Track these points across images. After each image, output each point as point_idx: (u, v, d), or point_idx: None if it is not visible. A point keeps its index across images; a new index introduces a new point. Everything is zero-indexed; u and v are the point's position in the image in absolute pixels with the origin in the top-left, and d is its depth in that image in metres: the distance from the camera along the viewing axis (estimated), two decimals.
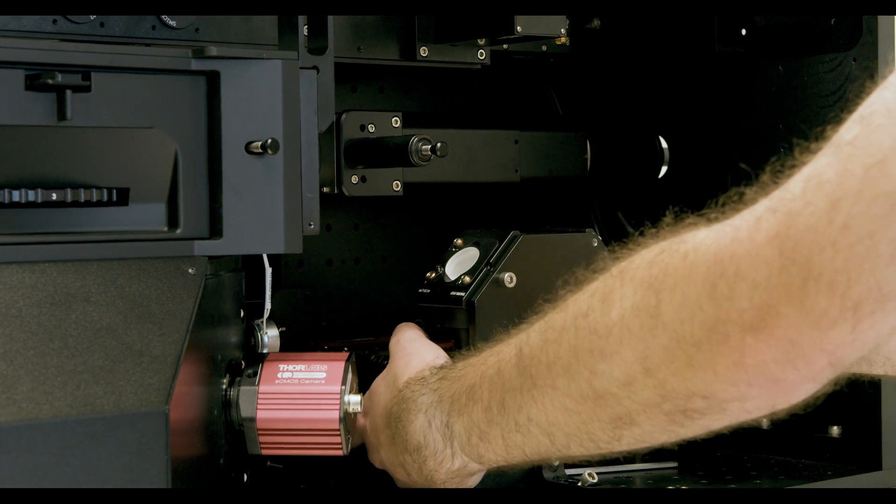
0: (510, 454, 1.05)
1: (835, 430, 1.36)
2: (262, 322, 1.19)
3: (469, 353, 1.12)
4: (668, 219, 0.95)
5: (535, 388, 1.00)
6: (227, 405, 1.12)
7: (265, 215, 1.07)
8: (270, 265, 1.15)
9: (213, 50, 1.05)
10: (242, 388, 1.12)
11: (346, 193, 1.32)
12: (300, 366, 1.14)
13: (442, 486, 1.10)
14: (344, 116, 1.32)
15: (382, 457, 1.16)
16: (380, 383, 1.19)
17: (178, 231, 1.05)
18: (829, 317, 0.81)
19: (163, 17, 1.11)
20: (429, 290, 1.28)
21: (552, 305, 1.01)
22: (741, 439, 1.26)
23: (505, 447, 1.05)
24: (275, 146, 1.07)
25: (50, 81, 0.98)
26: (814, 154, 0.85)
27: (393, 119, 1.35)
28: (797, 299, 0.81)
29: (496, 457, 1.07)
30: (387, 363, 1.23)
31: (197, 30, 1.13)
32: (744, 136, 1.46)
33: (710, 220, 0.90)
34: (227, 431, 1.12)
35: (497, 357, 1.05)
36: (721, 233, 0.87)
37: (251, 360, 1.16)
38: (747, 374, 0.86)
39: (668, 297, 0.88)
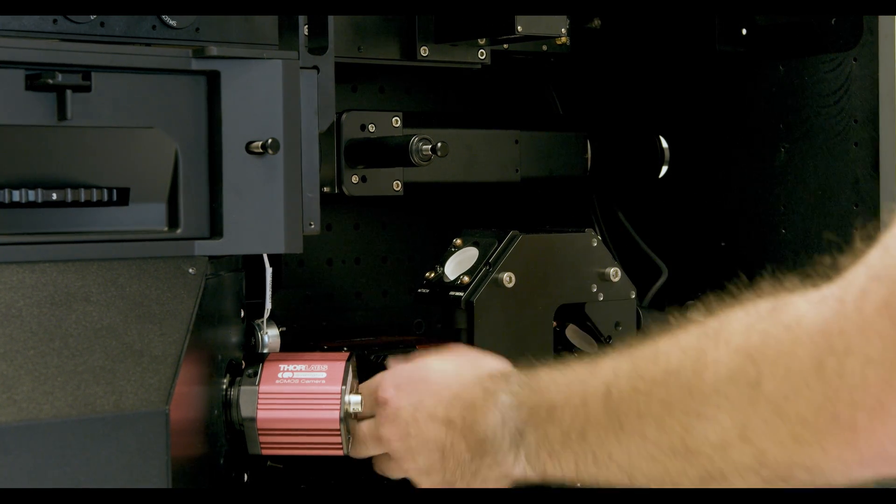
0: (580, 477, 1.02)
1: None
2: (262, 322, 1.19)
3: (553, 368, 1.08)
4: (765, 280, 0.92)
5: (621, 432, 0.96)
6: (228, 405, 1.12)
7: (265, 215, 1.07)
8: (271, 265, 1.15)
9: (214, 50, 1.05)
10: (243, 388, 1.12)
11: (347, 193, 1.32)
12: (300, 366, 1.14)
13: (484, 485, 1.09)
14: (344, 116, 1.32)
15: (417, 445, 1.12)
16: (436, 366, 1.15)
17: (179, 231, 1.05)
18: None
19: (163, 16, 1.11)
20: (428, 290, 1.28)
21: (640, 341, 0.97)
22: None
23: (576, 471, 1.02)
24: (275, 146, 1.06)
25: (50, 81, 0.98)
26: None
27: (393, 119, 1.35)
28: None
29: (562, 475, 1.04)
30: (387, 364, 1.23)
31: (197, 29, 1.13)
32: (744, 136, 1.46)
33: (806, 285, 0.85)
34: (227, 431, 1.12)
35: (583, 387, 1.02)
36: (824, 305, 0.82)
37: (251, 360, 1.16)
38: (860, 455, 0.82)
39: (770, 370, 0.84)
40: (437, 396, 1.12)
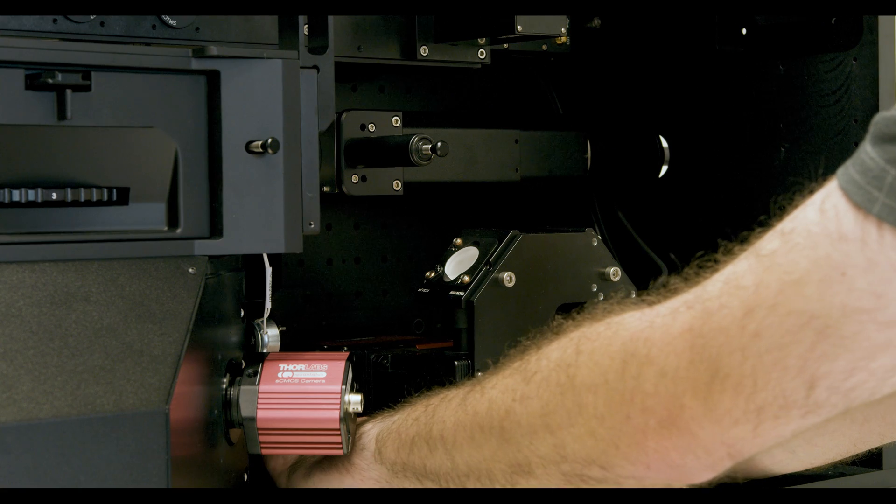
0: (411, 458, 1.07)
1: None
2: (262, 322, 1.19)
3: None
4: (617, 295, 0.99)
5: (462, 409, 1.02)
6: (228, 405, 1.12)
7: (265, 215, 1.07)
8: (271, 265, 1.15)
9: (214, 49, 1.05)
10: (243, 387, 1.12)
11: (347, 193, 1.32)
12: (300, 365, 1.14)
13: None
14: (344, 116, 1.32)
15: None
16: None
17: (179, 230, 1.05)
18: (731, 416, 0.84)
19: (163, 16, 1.11)
20: (428, 290, 1.28)
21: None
22: None
23: (410, 448, 1.07)
24: (275, 146, 1.06)
25: (50, 81, 0.98)
26: (735, 256, 0.87)
27: (393, 118, 1.35)
28: (702, 395, 0.84)
29: (396, 455, 1.09)
30: (390, 365, 1.25)
31: (197, 29, 1.13)
32: (744, 135, 1.46)
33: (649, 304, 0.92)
34: (227, 431, 1.12)
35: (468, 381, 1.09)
36: (643, 314, 0.90)
37: (251, 359, 1.16)
38: (647, 457, 0.88)
39: (585, 360, 0.91)
40: None
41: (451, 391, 1.08)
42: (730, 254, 0.88)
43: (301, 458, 1.19)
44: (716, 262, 0.89)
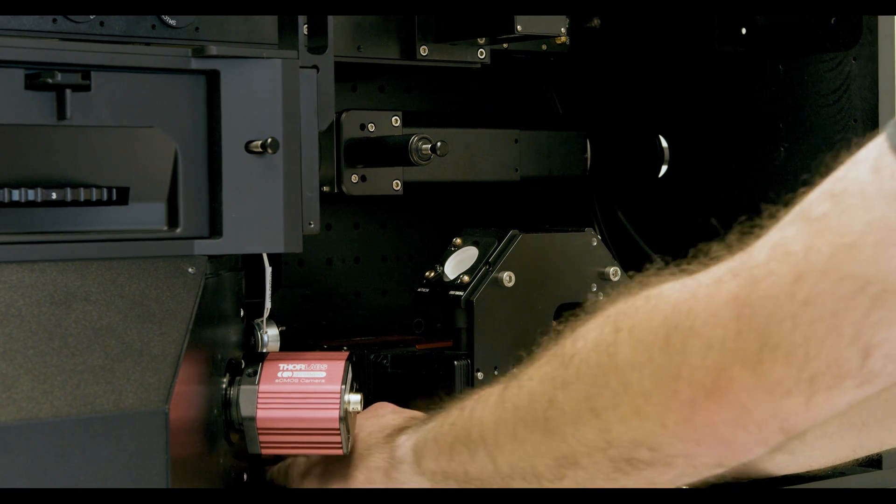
0: (451, 466, 1.03)
1: None
2: (262, 321, 1.19)
3: None
4: (653, 267, 0.95)
5: (501, 406, 0.99)
6: (227, 404, 1.12)
7: (265, 214, 1.07)
8: (270, 264, 1.15)
9: (213, 49, 1.05)
10: (242, 387, 1.12)
11: (346, 193, 1.32)
12: (300, 365, 1.14)
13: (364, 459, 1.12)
14: (344, 115, 1.32)
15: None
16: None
17: (178, 230, 1.05)
18: (783, 386, 0.80)
19: (162, 16, 1.11)
20: (428, 290, 1.28)
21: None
22: None
23: (450, 455, 1.03)
24: (275, 145, 1.06)
25: (49, 80, 0.98)
26: (780, 220, 0.84)
27: (393, 118, 1.35)
28: (752, 365, 0.81)
29: (436, 464, 1.05)
30: (389, 365, 1.24)
31: (197, 29, 1.13)
32: (743, 135, 1.46)
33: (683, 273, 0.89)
34: (226, 431, 1.12)
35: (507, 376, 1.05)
36: (684, 285, 0.86)
37: (251, 359, 1.16)
38: (696, 433, 0.85)
39: (625, 337, 0.87)
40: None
41: (485, 390, 1.04)
42: (774, 218, 0.84)
43: (324, 473, 1.17)
44: (759, 227, 0.85)
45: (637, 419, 0.87)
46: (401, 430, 1.12)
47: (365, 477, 1.11)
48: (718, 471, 0.89)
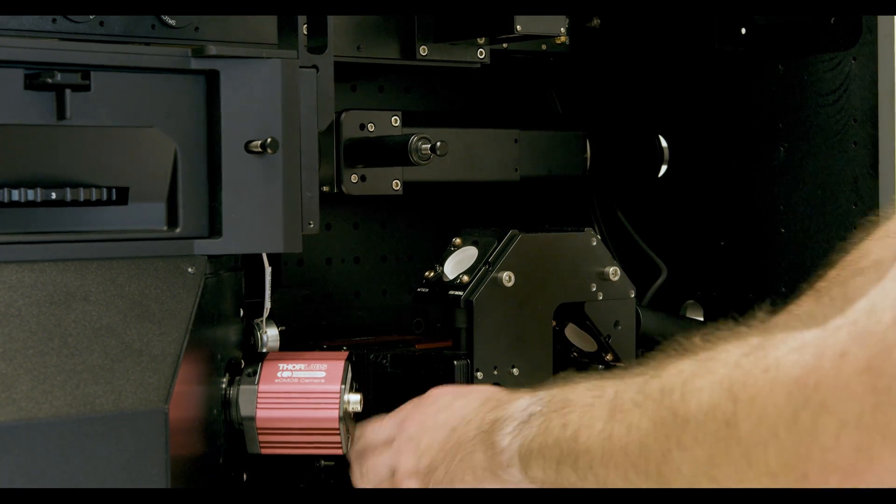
0: (560, 480, 1.00)
1: None
2: (261, 321, 1.19)
3: (593, 374, 1.06)
4: (762, 312, 0.89)
5: (608, 441, 0.94)
6: (227, 404, 1.12)
7: (265, 214, 1.07)
8: (270, 264, 1.15)
9: (213, 49, 1.05)
10: (242, 387, 1.12)
11: (346, 192, 1.32)
12: (300, 365, 1.14)
13: (467, 471, 1.08)
14: (343, 115, 1.32)
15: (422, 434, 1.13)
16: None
17: (178, 230, 1.05)
18: None
19: (162, 16, 1.11)
20: (427, 290, 1.28)
21: (665, 354, 0.95)
22: None
23: (557, 471, 1.00)
24: (274, 145, 1.06)
25: (49, 80, 0.98)
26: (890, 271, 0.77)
27: (393, 118, 1.35)
28: (894, 442, 0.73)
29: (544, 475, 1.02)
30: (389, 365, 1.24)
31: (196, 29, 1.13)
32: (743, 135, 1.46)
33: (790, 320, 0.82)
34: (226, 430, 1.12)
35: (599, 391, 1.00)
36: (803, 354, 0.78)
37: (251, 359, 1.16)
38: None
39: (746, 410, 0.81)
40: (484, 391, 1.13)
41: (584, 400, 0.99)
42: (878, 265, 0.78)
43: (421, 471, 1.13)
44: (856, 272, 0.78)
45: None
46: (494, 423, 1.08)
47: (473, 478, 1.08)
48: None
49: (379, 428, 1.17)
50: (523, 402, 1.06)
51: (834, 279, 1.19)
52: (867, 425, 0.74)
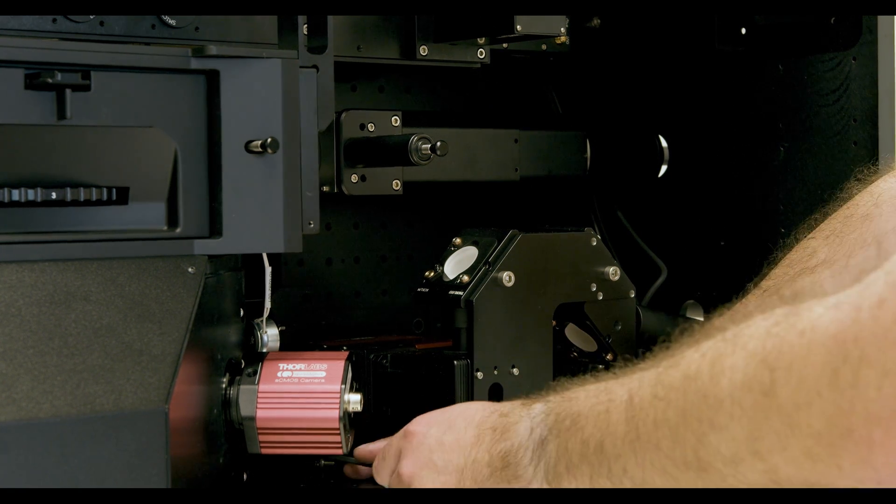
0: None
1: None
2: (261, 321, 1.19)
3: (585, 378, 1.04)
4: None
5: (637, 442, 0.92)
6: (227, 404, 1.12)
7: (265, 214, 1.07)
8: (270, 264, 1.15)
9: (213, 49, 1.05)
10: (242, 387, 1.12)
11: (346, 192, 1.32)
12: (300, 365, 1.14)
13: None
14: (344, 115, 1.32)
15: (432, 468, 1.09)
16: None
17: (178, 230, 1.05)
18: None
19: (162, 16, 1.11)
20: (427, 290, 1.28)
21: (665, 349, 0.94)
22: None
23: (590, 484, 0.97)
24: (274, 145, 1.07)
25: (49, 80, 0.98)
26: None
27: (393, 118, 1.35)
28: None
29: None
30: (389, 365, 1.23)
31: (197, 29, 1.13)
32: (743, 135, 1.46)
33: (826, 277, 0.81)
34: (226, 430, 1.12)
35: (608, 395, 0.97)
36: (839, 310, 0.77)
37: (251, 359, 1.16)
38: (876, 473, 0.76)
39: (784, 377, 0.79)
40: (469, 419, 1.09)
41: (587, 409, 0.97)
42: None
43: None
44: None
45: (809, 461, 0.79)
46: (506, 458, 1.05)
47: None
48: None
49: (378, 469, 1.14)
50: (525, 425, 1.03)
51: (781, 277, 1.18)
52: None
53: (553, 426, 1.01)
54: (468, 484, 1.06)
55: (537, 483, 1.02)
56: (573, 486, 0.99)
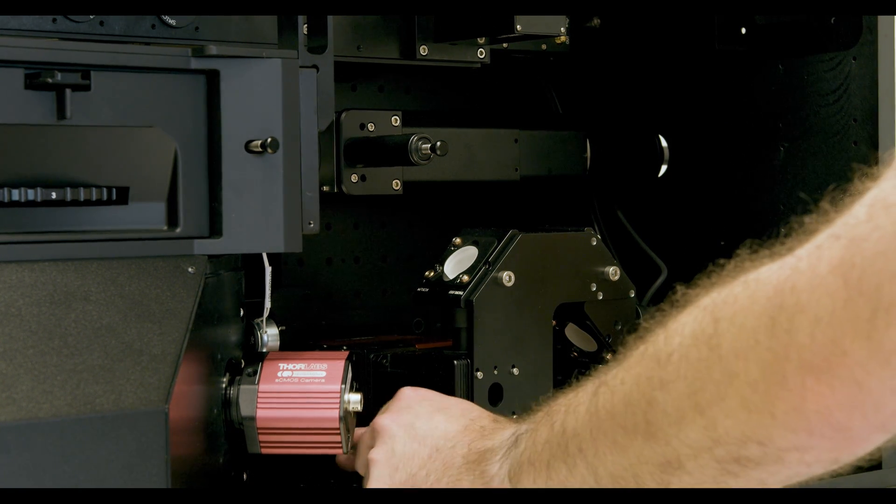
0: (550, 484, 0.98)
1: None
2: (261, 321, 1.19)
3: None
4: (742, 253, 0.89)
5: (595, 416, 0.93)
6: (227, 404, 1.12)
7: (265, 214, 1.07)
8: (270, 264, 1.15)
9: (213, 49, 1.05)
10: (242, 386, 1.12)
11: (346, 192, 1.32)
12: (300, 364, 1.14)
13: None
14: (344, 115, 1.32)
15: (400, 447, 1.11)
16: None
17: (178, 230, 1.05)
18: None
19: (162, 16, 1.11)
20: (427, 289, 1.28)
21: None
22: None
23: (547, 474, 0.98)
24: (274, 145, 1.07)
25: (49, 80, 0.98)
26: (875, 180, 0.76)
27: (393, 118, 1.35)
28: (864, 334, 0.72)
29: (534, 485, 1.00)
30: (389, 365, 1.24)
31: (197, 28, 1.13)
32: (743, 135, 1.46)
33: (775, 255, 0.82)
34: (226, 430, 1.12)
35: (582, 386, 0.98)
36: (782, 263, 0.79)
37: (251, 358, 1.16)
38: (808, 422, 0.77)
39: (727, 326, 0.80)
40: (464, 411, 1.11)
41: (570, 398, 0.98)
42: (870, 178, 0.77)
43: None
44: (850, 194, 0.77)
45: (744, 412, 0.80)
46: (482, 454, 1.06)
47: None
48: (834, 467, 0.82)
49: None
50: (509, 432, 1.05)
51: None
52: (839, 320, 0.73)
53: (530, 425, 1.02)
54: (437, 466, 1.07)
55: (498, 481, 1.03)
56: (530, 475, 0.99)
